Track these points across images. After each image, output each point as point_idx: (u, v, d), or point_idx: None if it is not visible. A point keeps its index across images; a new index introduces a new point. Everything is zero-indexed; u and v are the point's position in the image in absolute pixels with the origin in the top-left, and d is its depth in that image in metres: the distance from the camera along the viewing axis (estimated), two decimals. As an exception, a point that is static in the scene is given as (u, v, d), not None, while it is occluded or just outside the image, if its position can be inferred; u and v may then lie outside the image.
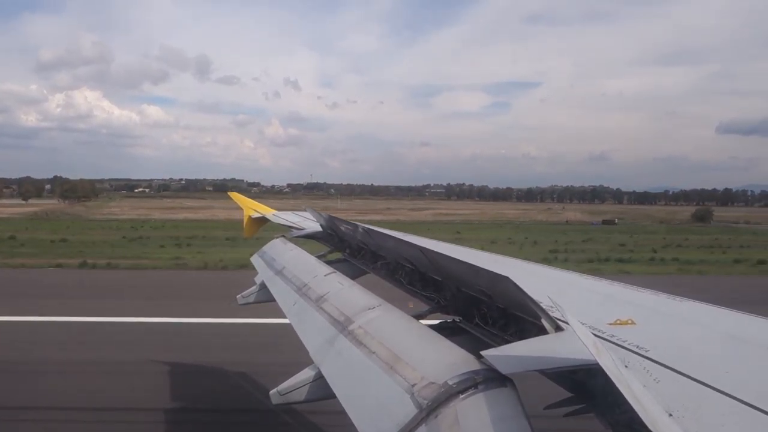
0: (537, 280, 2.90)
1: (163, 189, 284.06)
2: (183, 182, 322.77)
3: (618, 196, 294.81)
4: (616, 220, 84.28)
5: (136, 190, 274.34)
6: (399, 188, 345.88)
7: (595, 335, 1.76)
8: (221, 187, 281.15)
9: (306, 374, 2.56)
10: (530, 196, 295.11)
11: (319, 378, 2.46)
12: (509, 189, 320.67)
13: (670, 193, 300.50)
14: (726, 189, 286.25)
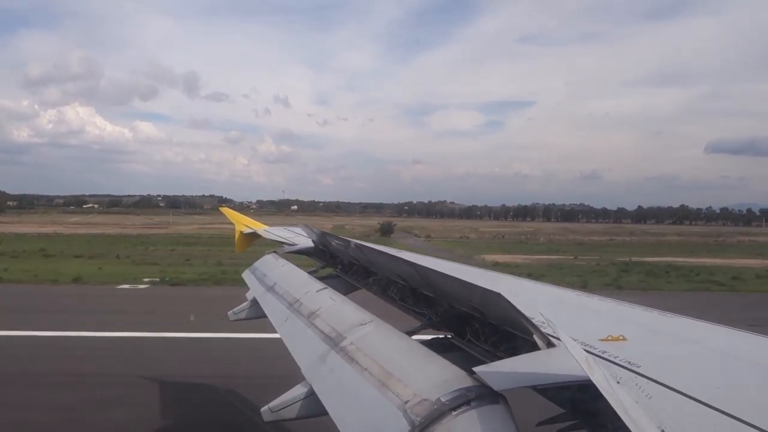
0: (529, 297, 2.91)
1: (113, 205, 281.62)
2: (136, 198, 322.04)
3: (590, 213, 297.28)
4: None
5: (84, 206, 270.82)
6: (366, 205, 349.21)
7: (587, 351, 1.76)
8: (174, 203, 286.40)
9: (298, 391, 2.54)
10: (470, 213, 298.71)
11: (311, 395, 2.44)
12: (472, 206, 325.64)
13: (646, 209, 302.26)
14: (682, 205, 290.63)
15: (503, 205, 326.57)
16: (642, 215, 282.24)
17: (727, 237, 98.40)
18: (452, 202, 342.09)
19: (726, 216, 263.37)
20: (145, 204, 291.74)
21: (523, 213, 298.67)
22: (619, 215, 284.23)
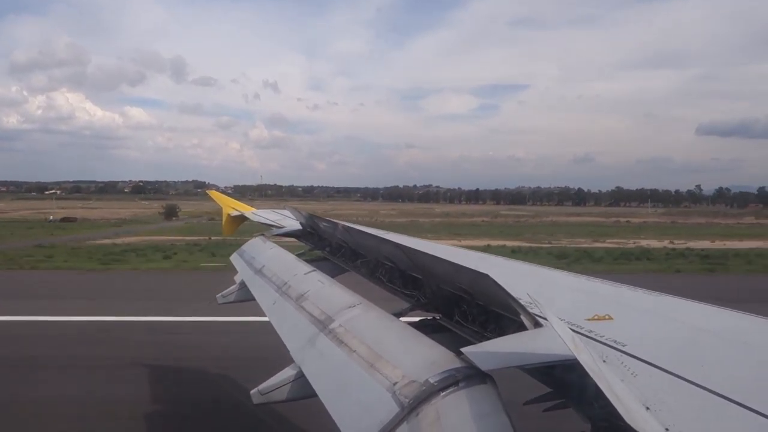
0: (516, 277, 2.92)
1: (75, 191, 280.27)
2: (101, 184, 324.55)
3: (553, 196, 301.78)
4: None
5: (45, 192, 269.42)
6: (339, 190, 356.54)
7: (574, 331, 1.78)
8: (140, 189, 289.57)
9: (287, 373, 2.55)
10: (426, 198, 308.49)
11: (300, 377, 2.45)
12: (436, 192, 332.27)
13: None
14: (677, 191, 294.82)
15: (459, 188, 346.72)
16: (621, 197, 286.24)
17: (557, 217, 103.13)
18: (437, 187, 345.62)
19: (714, 198, 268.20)
20: (110, 189, 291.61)
21: (475, 197, 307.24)
22: (601, 198, 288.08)
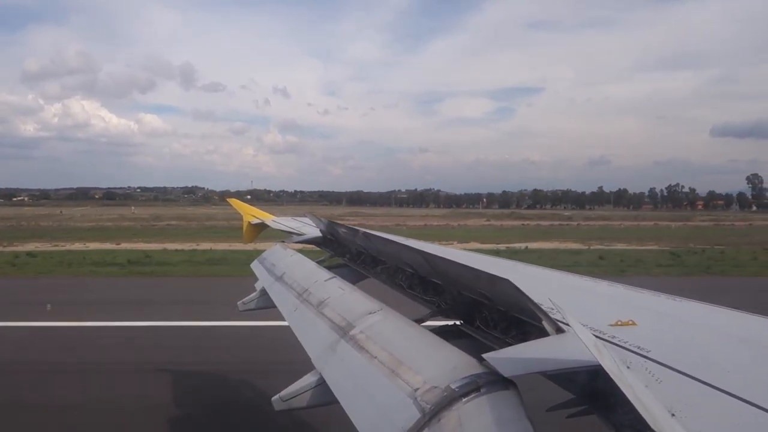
0: (537, 282, 2.91)
1: (43, 198, 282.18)
2: (73, 190, 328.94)
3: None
4: None
5: (14, 199, 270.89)
6: (323, 194, 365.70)
7: (596, 336, 1.76)
8: (111, 196, 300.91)
9: (308, 380, 2.56)
10: (383, 201, 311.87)
11: (321, 383, 2.46)
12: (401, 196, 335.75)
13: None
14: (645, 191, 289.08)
15: (417, 190, 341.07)
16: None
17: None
18: (438, 190, 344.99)
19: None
20: (81, 196, 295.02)
21: (419, 200, 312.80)
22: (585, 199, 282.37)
